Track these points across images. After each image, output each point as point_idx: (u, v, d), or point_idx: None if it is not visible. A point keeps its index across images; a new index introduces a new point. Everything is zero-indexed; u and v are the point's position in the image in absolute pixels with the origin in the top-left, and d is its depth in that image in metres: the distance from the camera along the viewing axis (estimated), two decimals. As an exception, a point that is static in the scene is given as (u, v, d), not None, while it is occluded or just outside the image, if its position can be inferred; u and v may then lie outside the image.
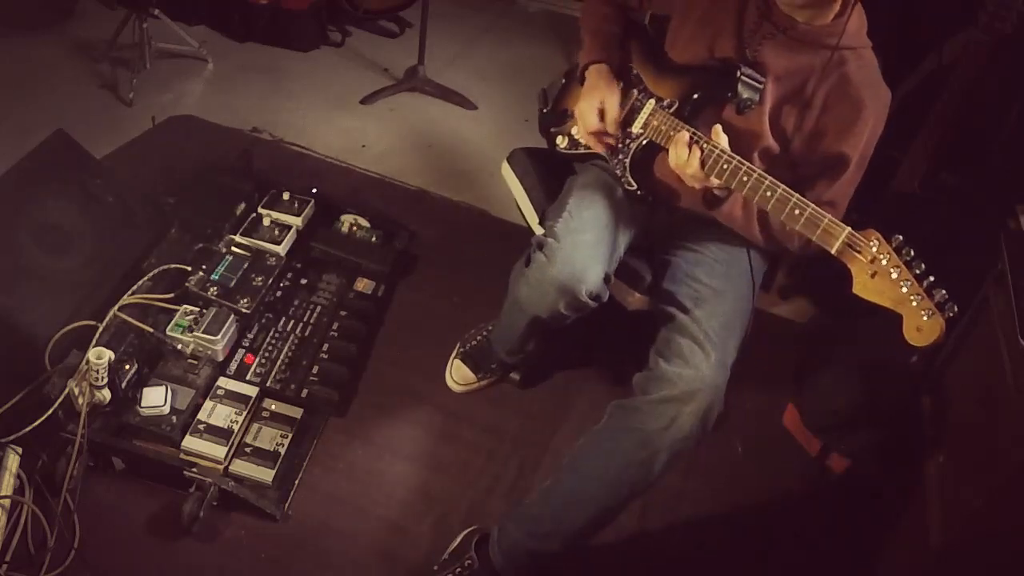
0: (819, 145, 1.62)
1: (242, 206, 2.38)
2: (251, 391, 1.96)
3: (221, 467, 1.83)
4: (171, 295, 2.08)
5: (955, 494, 1.63)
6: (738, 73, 1.55)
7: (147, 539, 1.76)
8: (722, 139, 1.49)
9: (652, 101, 1.67)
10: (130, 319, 1.99)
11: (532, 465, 2.02)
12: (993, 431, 1.55)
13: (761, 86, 1.57)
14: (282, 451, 1.89)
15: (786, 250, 1.74)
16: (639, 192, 1.73)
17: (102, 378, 1.77)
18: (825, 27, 1.56)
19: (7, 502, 1.67)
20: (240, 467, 1.85)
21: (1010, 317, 1.59)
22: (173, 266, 2.16)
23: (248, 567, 1.75)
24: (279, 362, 2.06)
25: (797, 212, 1.40)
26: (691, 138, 1.52)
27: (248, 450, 1.88)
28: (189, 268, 2.15)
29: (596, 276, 1.66)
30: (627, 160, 1.71)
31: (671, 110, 1.63)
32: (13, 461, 1.72)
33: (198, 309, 2.03)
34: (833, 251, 1.36)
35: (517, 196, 2.03)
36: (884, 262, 1.29)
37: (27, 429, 1.75)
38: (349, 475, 1.94)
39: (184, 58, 3.38)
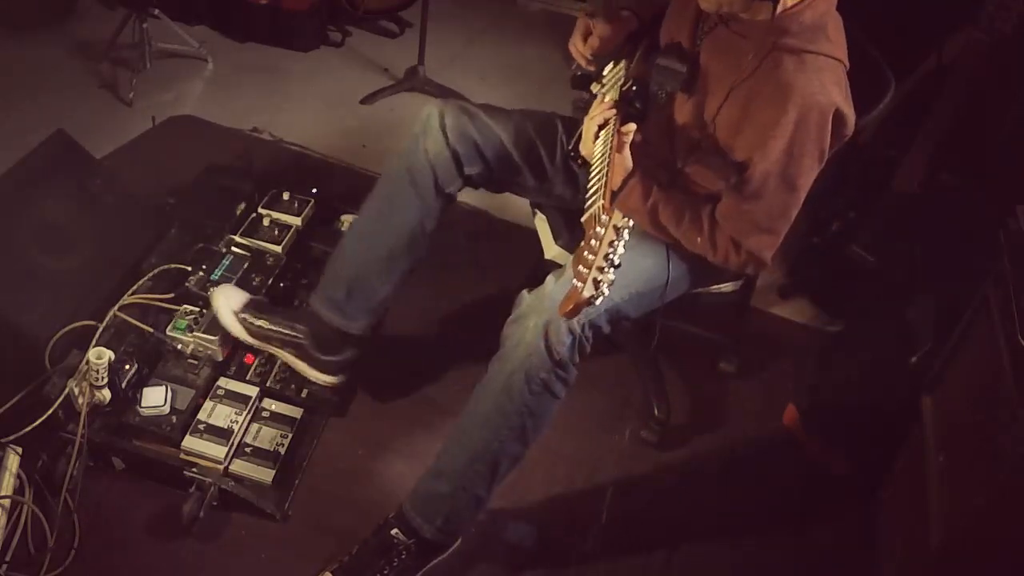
0: (738, 147, 1.53)
1: (242, 206, 2.38)
2: (251, 391, 1.96)
3: (221, 467, 1.83)
4: (171, 295, 2.08)
5: (955, 494, 1.63)
6: (656, 61, 1.52)
7: (147, 539, 1.76)
8: (630, 135, 1.45)
9: (622, 79, 1.66)
10: (130, 319, 1.99)
11: (530, 464, 2.02)
12: (993, 431, 1.55)
13: (683, 73, 1.51)
14: (282, 451, 1.89)
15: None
16: (572, 154, 1.70)
17: (102, 378, 1.77)
18: (766, 23, 1.45)
19: (7, 502, 1.67)
20: (240, 467, 1.85)
21: (1010, 317, 1.58)
22: (173, 266, 2.16)
23: (248, 567, 1.75)
24: (279, 362, 2.05)
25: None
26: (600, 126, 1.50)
27: (248, 450, 1.88)
28: (189, 268, 2.15)
29: (451, 127, 1.77)
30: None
31: (623, 89, 1.60)
32: (13, 461, 1.73)
33: (198, 309, 2.03)
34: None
35: None
36: (600, 234, 1.16)
37: (27, 429, 1.75)
38: (349, 475, 1.95)
39: (184, 58, 3.38)
